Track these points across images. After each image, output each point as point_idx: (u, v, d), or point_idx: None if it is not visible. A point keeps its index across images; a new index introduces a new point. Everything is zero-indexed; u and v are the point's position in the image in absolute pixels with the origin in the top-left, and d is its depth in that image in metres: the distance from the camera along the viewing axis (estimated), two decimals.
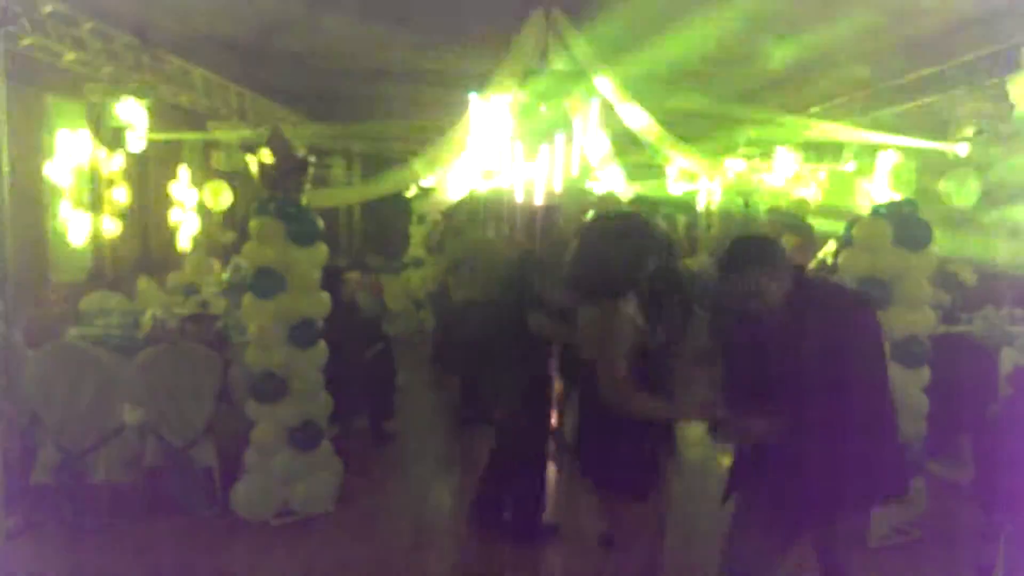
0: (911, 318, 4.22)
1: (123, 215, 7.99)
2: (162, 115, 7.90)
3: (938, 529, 4.33)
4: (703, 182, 11.62)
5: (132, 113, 6.27)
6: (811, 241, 6.51)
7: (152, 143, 8.06)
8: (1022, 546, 3.57)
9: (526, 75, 6.58)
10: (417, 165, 9.31)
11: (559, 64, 6.79)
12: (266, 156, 4.22)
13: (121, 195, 7.76)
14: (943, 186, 6.39)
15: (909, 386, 4.25)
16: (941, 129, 6.63)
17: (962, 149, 6.22)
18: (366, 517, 4.63)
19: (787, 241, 6.61)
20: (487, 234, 6.90)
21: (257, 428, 4.46)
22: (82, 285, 6.96)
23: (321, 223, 4.50)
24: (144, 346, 4.97)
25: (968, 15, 6.13)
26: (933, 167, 7.24)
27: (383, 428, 6.05)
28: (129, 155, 7.56)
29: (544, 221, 7.19)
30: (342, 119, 10.38)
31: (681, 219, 11.50)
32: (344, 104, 10.70)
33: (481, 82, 7.70)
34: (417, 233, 11.54)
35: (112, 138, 6.24)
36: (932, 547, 4.22)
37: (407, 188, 10.71)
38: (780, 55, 7.60)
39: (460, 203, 8.67)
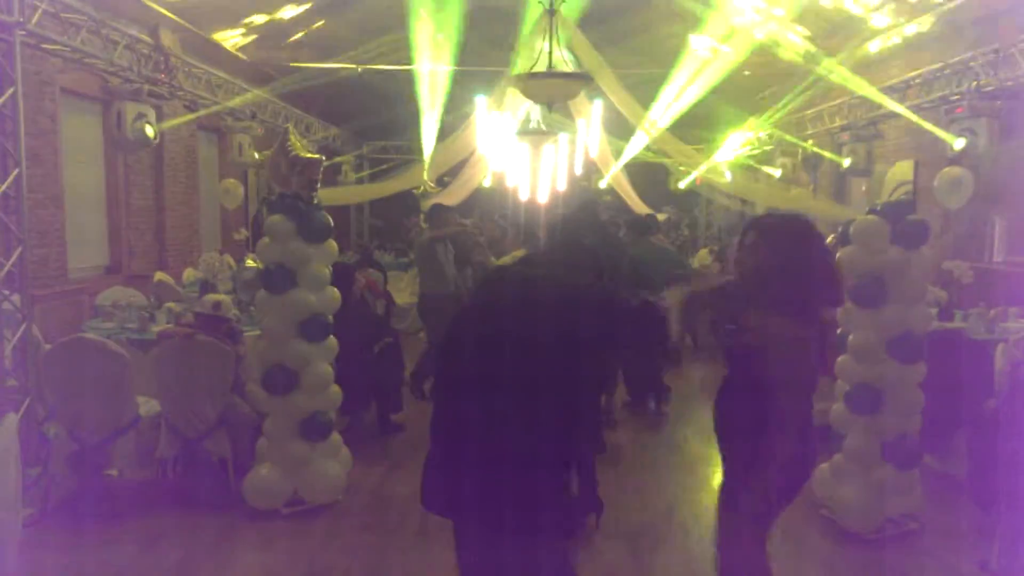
0: (908, 315, 4.29)
1: (139, 212, 8.15)
2: (177, 114, 8.05)
3: (934, 522, 4.39)
4: (703, 181, 11.72)
5: (148, 112, 6.41)
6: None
7: (167, 141, 8.23)
8: (1017, 538, 3.64)
9: (530, 77, 6.67)
10: (425, 166, 9.45)
11: (563, 65, 6.88)
12: (279, 155, 4.34)
13: (137, 192, 7.91)
14: (938, 184, 6.45)
15: (905, 382, 4.33)
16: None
17: (959, 145, 6.27)
18: (374, 506, 4.75)
19: None
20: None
21: (268, 420, 4.59)
22: (99, 280, 7.10)
23: (331, 221, 4.61)
24: (159, 340, 5.10)
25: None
26: (930, 165, 7.32)
27: (390, 420, 6.17)
28: (144, 153, 7.71)
29: (548, 218, 7.32)
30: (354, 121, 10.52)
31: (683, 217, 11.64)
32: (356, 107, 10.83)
33: (487, 83, 7.82)
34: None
35: (127, 136, 6.38)
36: (928, 540, 4.28)
37: (416, 187, 10.87)
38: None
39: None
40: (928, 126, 6.89)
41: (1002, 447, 3.71)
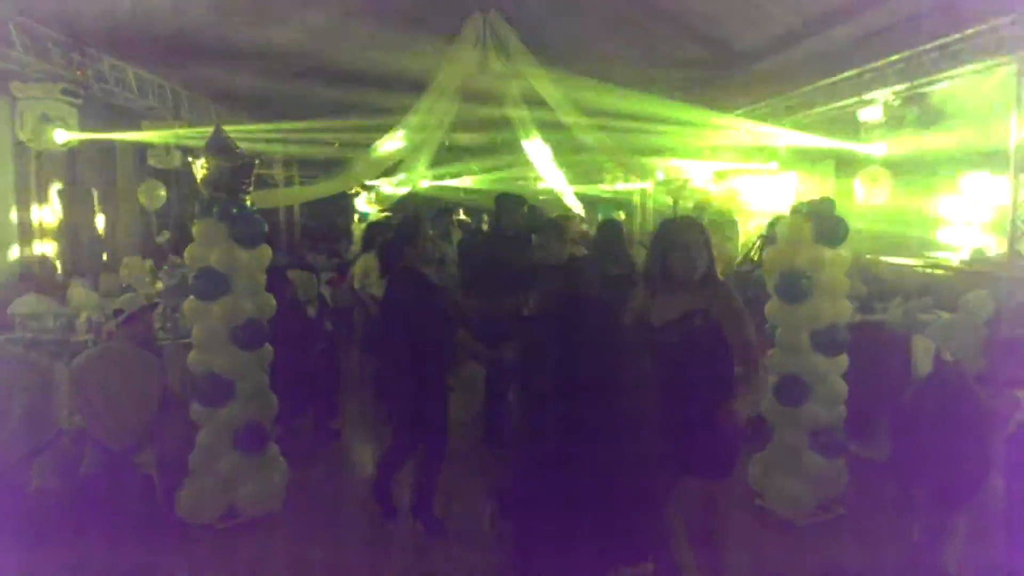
0: (830, 309, 4.49)
1: (53, 216, 7.75)
2: (94, 114, 7.69)
3: (860, 505, 4.60)
4: (637, 182, 11.95)
5: (62, 112, 6.11)
6: (734, 238, 6.84)
7: (83, 142, 7.85)
8: (939, 515, 3.85)
9: (466, 77, 6.67)
10: (358, 166, 9.29)
11: (498, 67, 6.91)
12: (209, 157, 4.20)
13: (51, 196, 7.53)
14: (857, 184, 6.78)
15: (829, 373, 4.53)
16: (855, 132, 7.03)
17: (875, 149, 6.61)
18: (314, 516, 4.66)
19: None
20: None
21: (202, 431, 4.44)
22: (11, 289, 6.74)
23: (265, 225, 4.50)
24: (79, 350, 4.87)
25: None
26: (849, 166, 7.69)
27: (327, 426, 6.06)
28: (59, 155, 7.34)
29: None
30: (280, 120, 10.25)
31: (620, 215, 11.87)
32: (283, 105, 10.58)
33: (422, 84, 7.76)
34: (360, 231, 11.55)
35: (40, 138, 6.05)
36: (855, 522, 4.49)
37: (350, 188, 10.70)
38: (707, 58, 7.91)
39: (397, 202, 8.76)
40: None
41: (920, 431, 3.91)
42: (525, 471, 2.63)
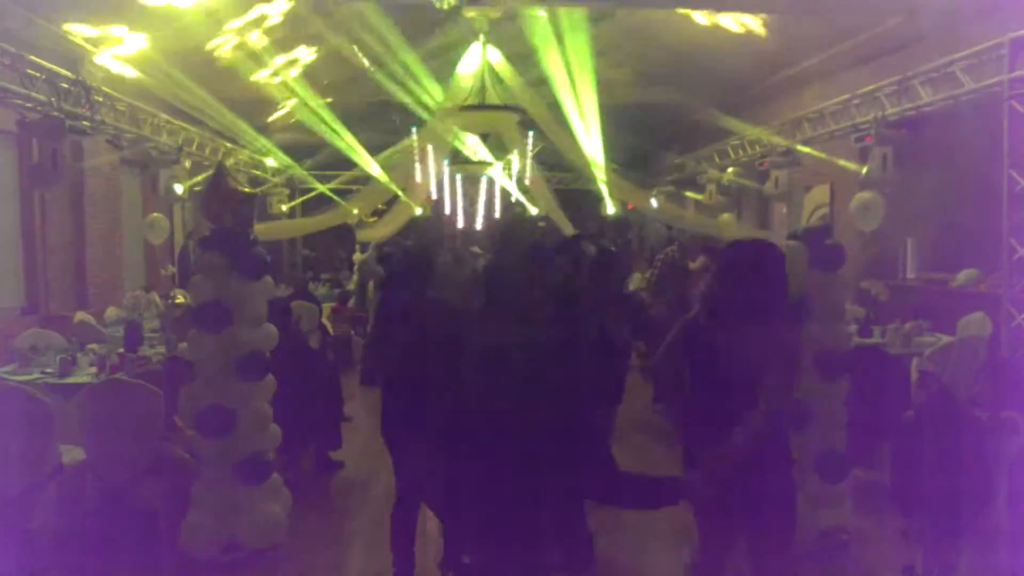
0: (829, 334, 4.50)
1: (57, 249, 7.83)
2: (99, 148, 7.81)
3: (864, 531, 4.57)
4: (633, 207, 12.03)
5: (68, 145, 6.20)
6: None
7: (87, 176, 7.95)
8: (939, 543, 3.83)
9: (464, 109, 6.76)
10: (359, 198, 9.39)
11: (495, 97, 7.00)
12: (211, 191, 4.27)
13: (54, 229, 7.60)
14: (853, 208, 6.84)
15: (830, 397, 4.52)
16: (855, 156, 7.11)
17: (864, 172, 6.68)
18: (316, 548, 4.64)
19: (700, 262, 6.98)
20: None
21: (205, 463, 4.44)
22: (14, 322, 6.78)
23: (268, 257, 4.55)
24: (82, 384, 4.89)
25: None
26: (845, 189, 7.75)
27: (329, 457, 6.06)
28: (64, 188, 7.43)
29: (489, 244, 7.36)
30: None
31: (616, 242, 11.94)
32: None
33: (421, 115, 7.88)
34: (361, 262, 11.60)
35: (45, 171, 6.14)
36: (859, 549, 4.45)
37: (351, 219, 10.79)
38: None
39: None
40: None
41: (921, 455, 3.90)
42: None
